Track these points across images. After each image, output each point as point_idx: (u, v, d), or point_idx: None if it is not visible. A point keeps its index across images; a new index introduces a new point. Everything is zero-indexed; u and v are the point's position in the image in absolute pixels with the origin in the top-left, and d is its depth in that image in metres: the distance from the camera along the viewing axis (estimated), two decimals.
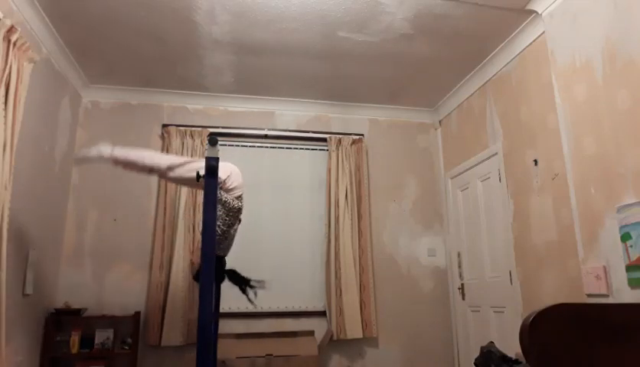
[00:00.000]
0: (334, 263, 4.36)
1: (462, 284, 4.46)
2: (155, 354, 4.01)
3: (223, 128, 4.55)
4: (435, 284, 4.70)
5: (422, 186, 4.95)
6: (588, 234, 2.70)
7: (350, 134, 4.80)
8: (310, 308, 4.41)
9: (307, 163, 4.76)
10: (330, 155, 4.65)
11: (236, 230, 3.01)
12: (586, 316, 1.56)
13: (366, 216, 4.59)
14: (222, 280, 3.12)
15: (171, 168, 2.86)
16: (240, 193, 2.93)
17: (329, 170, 4.61)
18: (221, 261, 3.03)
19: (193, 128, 4.46)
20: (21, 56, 2.92)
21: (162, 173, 2.94)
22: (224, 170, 2.75)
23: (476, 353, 2.96)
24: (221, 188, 2.80)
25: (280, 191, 4.64)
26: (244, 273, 3.15)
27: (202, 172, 2.38)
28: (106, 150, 2.89)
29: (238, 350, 3.85)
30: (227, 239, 2.95)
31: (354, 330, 4.21)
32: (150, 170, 2.92)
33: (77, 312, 3.84)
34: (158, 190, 4.34)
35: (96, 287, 4.09)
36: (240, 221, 3.01)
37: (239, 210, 2.90)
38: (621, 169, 2.49)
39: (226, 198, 2.81)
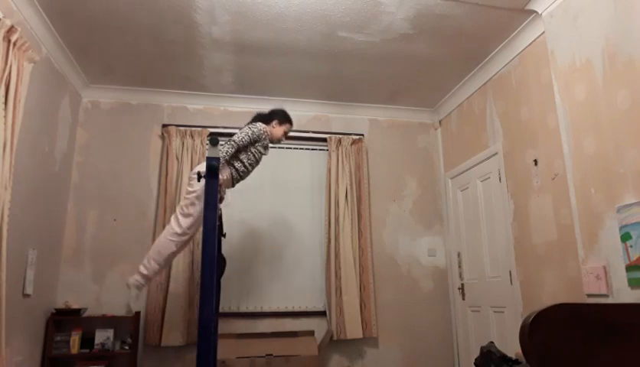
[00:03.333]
0: (334, 263, 4.35)
1: (462, 284, 4.46)
2: (155, 354, 4.01)
3: (223, 128, 4.53)
4: (435, 284, 4.70)
5: (422, 186, 4.95)
6: (588, 234, 2.70)
7: (350, 134, 4.80)
8: (310, 308, 4.41)
9: (307, 163, 4.76)
10: (330, 155, 4.65)
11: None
12: (586, 316, 1.56)
13: (366, 216, 4.58)
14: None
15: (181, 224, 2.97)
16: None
17: (329, 170, 4.61)
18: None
19: (193, 128, 4.45)
20: (21, 56, 2.92)
21: (189, 224, 2.96)
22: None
23: (476, 353, 2.96)
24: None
25: (280, 191, 4.63)
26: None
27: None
28: (134, 279, 3.03)
29: (238, 350, 3.85)
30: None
31: (354, 330, 4.20)
32: (178, 243, 2.98)
33: (77, 312, 3.84)
34: (158, 190, 4.34)
35: (96, 287, 4.09)
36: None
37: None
38: (621, 169, 2.49)
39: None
